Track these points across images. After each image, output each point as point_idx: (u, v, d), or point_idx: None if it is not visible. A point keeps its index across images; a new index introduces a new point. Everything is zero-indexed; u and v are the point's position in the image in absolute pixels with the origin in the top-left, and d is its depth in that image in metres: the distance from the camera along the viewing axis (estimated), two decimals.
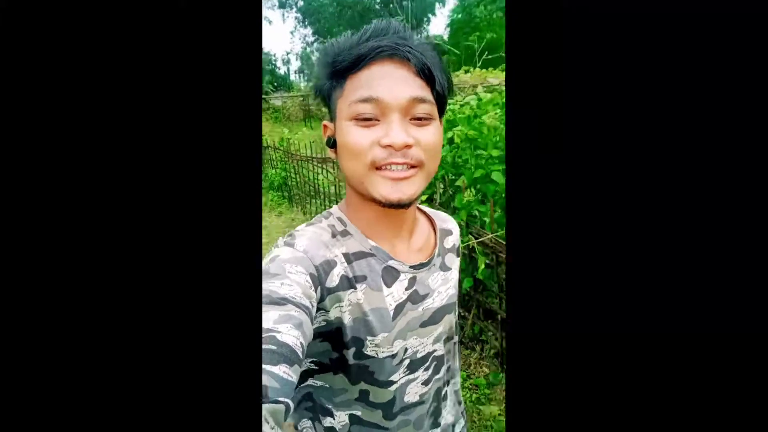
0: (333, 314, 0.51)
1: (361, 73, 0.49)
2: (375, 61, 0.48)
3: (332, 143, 0.53)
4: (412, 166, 0.49)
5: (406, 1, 18.68)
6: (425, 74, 0.49)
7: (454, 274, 0.65)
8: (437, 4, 20.78)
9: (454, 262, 0.66)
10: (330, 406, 0.58)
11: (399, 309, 0.56)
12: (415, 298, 0.58)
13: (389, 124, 0.48)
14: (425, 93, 0.49)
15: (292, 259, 0.48)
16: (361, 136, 0.48)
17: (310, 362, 0.57)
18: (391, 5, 19.17)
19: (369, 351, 0.54)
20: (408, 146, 0.48)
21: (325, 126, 0.56)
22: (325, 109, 0.56)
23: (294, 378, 0.37)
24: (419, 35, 0.51)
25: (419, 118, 0.49)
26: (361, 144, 0.48)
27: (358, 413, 0.57)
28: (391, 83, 0.48)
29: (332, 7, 18.90)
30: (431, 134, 0.50)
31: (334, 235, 0.54)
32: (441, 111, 0.53)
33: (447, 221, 0.70)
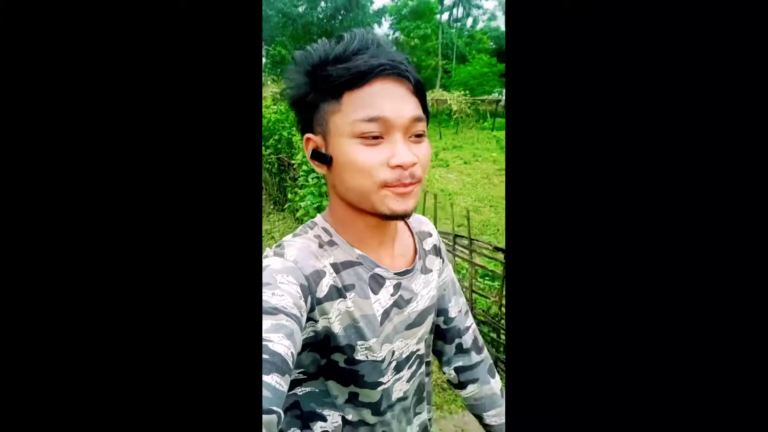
0: (321, 324, 0.53)
1: (361, 91, 0.49)
2: (377, 78, 0.49)
3: (328, 160, 0.52)
4: (415, 182, 0.51)
5: (347, 18, 20.38)
6: (419, 92, 0.51)
7: (435, 276, 0.68)
8: (375, 24, 22.79)
9: (435, 263, 0.69)
10: (320, 411, 0.59)
11: (386, 314, 0.58)
12: (401, 303, 0.60)
13: (394, 144, 0.49)
14: (420, 111, 0.51)
15: (283, 269, 0.49)
16: (369, 156, 0.49)
17: (298, 372, 0.58)
18: (332, 21, 20.72)
19: (359, 356, 0.56)
20: (414, 164, 0.50)
21: (308, 139, 0.55)
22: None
23: (284, 388, 0.38)
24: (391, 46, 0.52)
25: (417, 135, 0.51)
26: (370, 164, 0.49)
27: (348, 416, 0.60)
28: (394, 102, 0.49)
29: (277, 18, 20.04)
30: (426, 150, 0.53)
31: (321, 246, 0.55)
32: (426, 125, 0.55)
33: (423, 223, 0.71)
